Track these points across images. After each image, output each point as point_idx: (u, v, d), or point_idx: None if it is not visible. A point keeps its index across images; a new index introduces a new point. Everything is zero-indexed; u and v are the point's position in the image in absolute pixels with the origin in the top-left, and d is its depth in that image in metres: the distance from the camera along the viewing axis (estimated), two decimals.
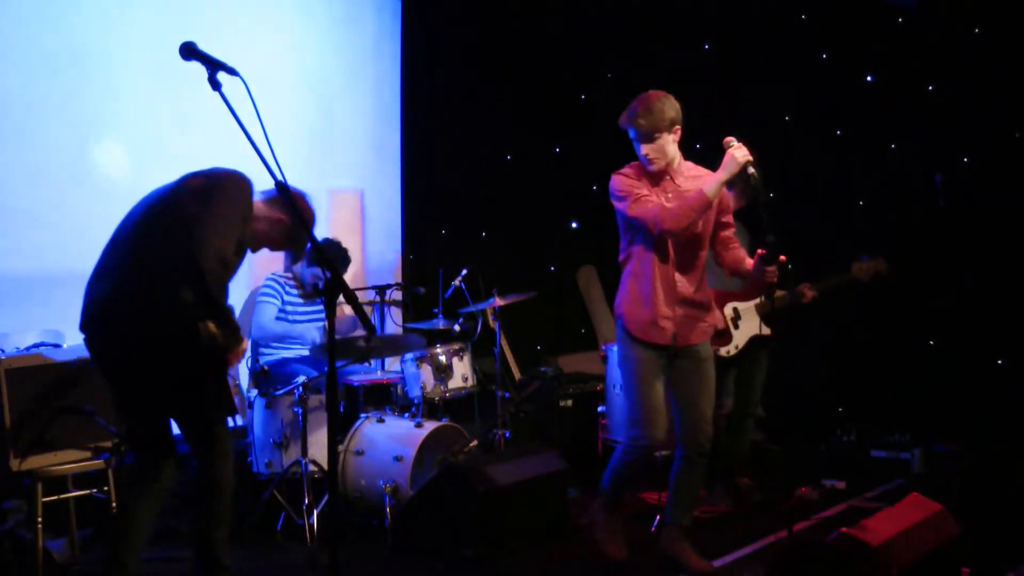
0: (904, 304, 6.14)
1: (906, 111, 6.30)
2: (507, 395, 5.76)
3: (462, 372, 5.30)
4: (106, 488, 4.25)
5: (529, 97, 7.22)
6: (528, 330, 6.98)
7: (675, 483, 4.18)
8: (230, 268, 3.41)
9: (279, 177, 2.89)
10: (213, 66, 2.98)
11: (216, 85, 2.97)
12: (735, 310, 5.12)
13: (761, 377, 5.24)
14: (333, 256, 5.27)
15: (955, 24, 6.13)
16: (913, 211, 6.26)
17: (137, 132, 5.27)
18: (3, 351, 3.99)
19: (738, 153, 3.89)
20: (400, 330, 5.93)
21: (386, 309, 5.69)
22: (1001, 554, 3.99)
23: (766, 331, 5.13)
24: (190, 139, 5.38)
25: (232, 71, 2.99)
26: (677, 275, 4.06)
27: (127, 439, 3.69)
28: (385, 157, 6.85)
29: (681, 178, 4.08)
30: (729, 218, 4.19)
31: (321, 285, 2.85)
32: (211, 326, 3.37)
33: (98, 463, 4.00)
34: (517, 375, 6.69)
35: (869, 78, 6.52)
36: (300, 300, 5.36)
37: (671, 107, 3.99)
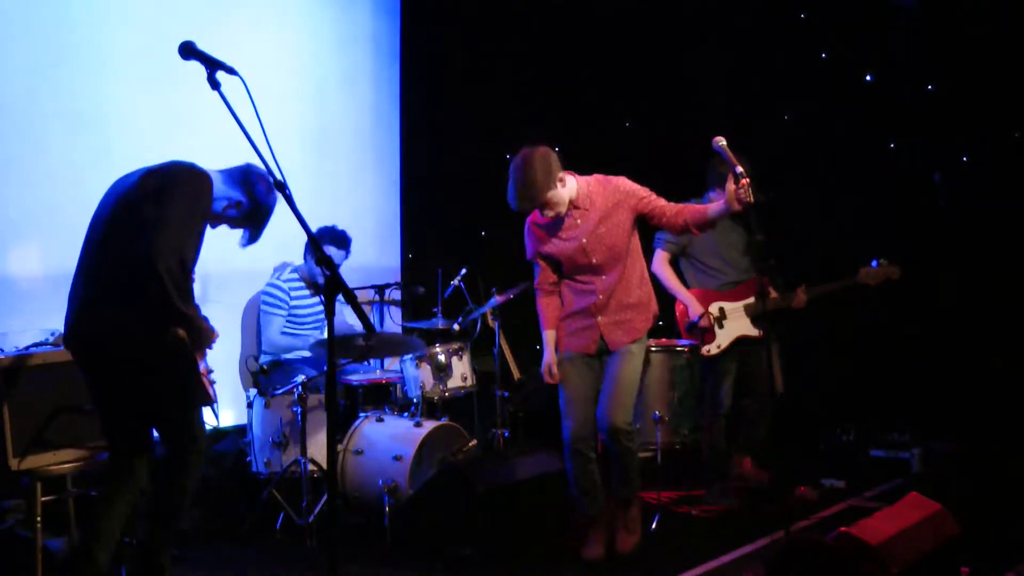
0: (904, 303, 6.14)
1: (906, 111, 6.30)
2: (506, 395, 5.76)
3: (461, 371, 5.30)
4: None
5: (529, 97, 7.21)
6: (528, 330, 6.97)
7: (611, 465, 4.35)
8: (189, 267, 3.38)
9: (278, 176, 2.89)
10: (212, 65, 2.98)
11: (215, 84, 2.96)
12: (720, 309, 5.12)
13: (765, 370, 5.18)
14: (330, 239, 5.24)
15: (955, 24, 6.13)
16: (912, 211, 6.26)
17: (137, 132, 5.26)
18: (3, 351, 3.99)
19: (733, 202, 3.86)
20: (399, 329, 5.92)
21: (385, 308, 5.69)
22: (1001, 554, 3.99)
23: (753, 332, 5.10)
24: (190, 139, 5.38)
25: (231, 70, 2.98)
26: (590, 288, 4.23)
27: (104, 437, 3.69)
28: (385, 157, 6.85)
29: (577, 212, 4.19)
30: (647, 202, 4.19)
31: (322, 283, 2.85)
32: (180, 333, 3.42)
33: (98, 462, 3.99)
34: (516, 374, 6.68)
35: (869, 78, 6.52)
36: (308, 301, 5.33)
37: (542, 169, 4.02)
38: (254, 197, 3.62)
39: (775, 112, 6.75)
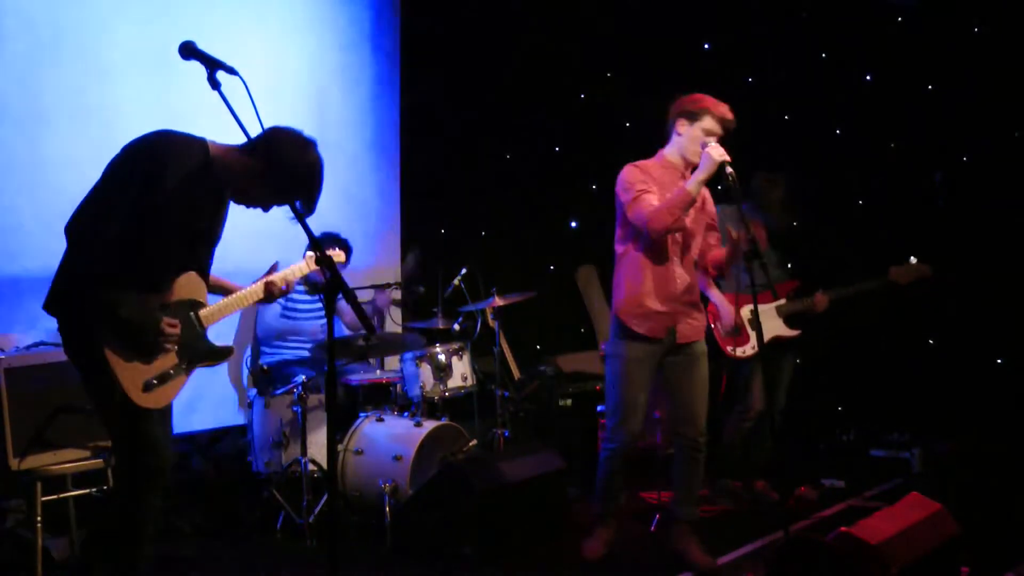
0: (904, 303, 6.14)
1: (906, 111, 6.30)
2: (506, 394, 5.76)
3: (461, 371, 5.30)
4: (106, 487, 4.25)
5: (529, 96, 7.22)
6: (528, 329, 6.98)
7: (676, 479, 4.25)
8: (122, 240, 3.03)
9: None
10: (212, 65, 2.97)
11: (215, 84, 2.96)
12: (752, 312, 5.10)
13: (785, 379, 5.22)
14: (330, 245, 5.25)
15: (955, 24, 6.13)
16: (912, 211, 6.26)
17: (137, 132, 5.26)
18: (3, 351, 3.99)
19: (714, 152, 3.88)
20: (399, 329, 5.92)
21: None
22: (1001, 554, 3.99)
23: (788, 332, 5.10)
24: None
25: (231, 70, 2.97)
26: (672, 271, 4.13)
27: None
28: (385, 157, 6.85)
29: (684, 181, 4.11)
30: (713, 219, 4.26)
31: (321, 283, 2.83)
32: (93, 329, 3.03)
33: (97, 462, 3.99)
34: (516, 374, 6.69)
35: (869, 78, 6.52)
36: (304, 297, 5.35)
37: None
38: (278, 161, 3.19)
39: (774, 112, 6.75)
